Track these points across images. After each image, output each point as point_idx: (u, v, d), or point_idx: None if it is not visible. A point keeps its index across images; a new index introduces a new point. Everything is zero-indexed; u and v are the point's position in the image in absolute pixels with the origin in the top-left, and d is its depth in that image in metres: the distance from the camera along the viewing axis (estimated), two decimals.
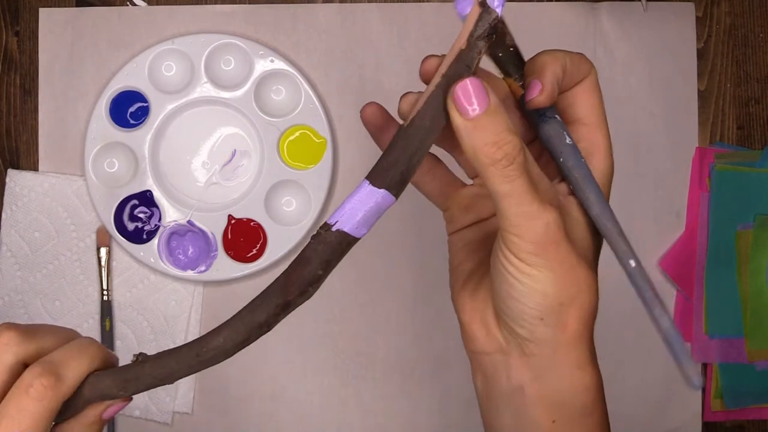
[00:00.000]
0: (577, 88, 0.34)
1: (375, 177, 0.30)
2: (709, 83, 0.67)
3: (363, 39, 0.66)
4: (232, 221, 0.64)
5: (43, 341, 0.34)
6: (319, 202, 0.64)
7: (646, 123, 0.66)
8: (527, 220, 0.31)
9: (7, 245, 0.65)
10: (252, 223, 0.64)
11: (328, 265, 0.31)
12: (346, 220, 0.30)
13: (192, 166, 0.65)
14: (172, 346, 0.36)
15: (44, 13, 0.65)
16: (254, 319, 0.31)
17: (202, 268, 0.64)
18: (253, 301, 0.31)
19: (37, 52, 0.65)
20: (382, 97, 0.66)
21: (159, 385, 0.33)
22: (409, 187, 0.68)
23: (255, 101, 0.64)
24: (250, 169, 0.65)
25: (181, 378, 0.33)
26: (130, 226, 0.64)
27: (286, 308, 0.31)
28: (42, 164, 0.65)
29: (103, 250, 0.64)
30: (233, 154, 0.65)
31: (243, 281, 0.65)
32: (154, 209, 0.64)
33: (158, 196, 0.64)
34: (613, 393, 0.66)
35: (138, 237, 0.64)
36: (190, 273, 0.64)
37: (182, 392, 0.65)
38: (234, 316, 0.31)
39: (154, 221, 0.64)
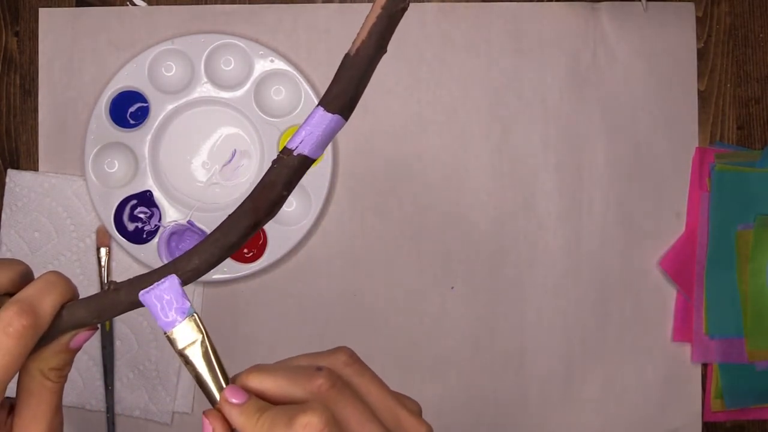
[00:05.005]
0: None
1: (328, 103, 0.32)
2: (709, 83, 0.67)
3: None
4: None
5: None
6: (319, 202, 0.64)
7: (646, 123, 0.66)
8: None
9: (7, 245, 0.65)
10: None
11: (291, 186, 0.33)
12: (305, 145, 0.32)
13: (192, 166, 0.65)
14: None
15: (44, 13, 0.65)
16: (227, 242, 0.33)
17: None
18: (223, 224, 0.33)
19: (37, 52, 0.65)
20: (382, 96, 0.66)
21: (133, 309, 0.34)
22: (420, 194, 0.67)
23: (255, 101, 0.64)
24: (250, 169, 0.65)
25: None
26: (130, 226, 0.64)
27: (255, 228, 0.33)
28: (42, 164, 0.65)
29: (103, 251, 0.64)
30: (233, 154, 0.65)
31: (243, 281, 0.65)
32: (154, 209, 0.64)
33: (158, 196, 0.64)
34: (613, 393, 0.67)
35: (138, 237, 0.64)
36: None
37: (182, 392, 0.65)
38: (206, 238, 0.33)
39: (154, 221, 0.64)
